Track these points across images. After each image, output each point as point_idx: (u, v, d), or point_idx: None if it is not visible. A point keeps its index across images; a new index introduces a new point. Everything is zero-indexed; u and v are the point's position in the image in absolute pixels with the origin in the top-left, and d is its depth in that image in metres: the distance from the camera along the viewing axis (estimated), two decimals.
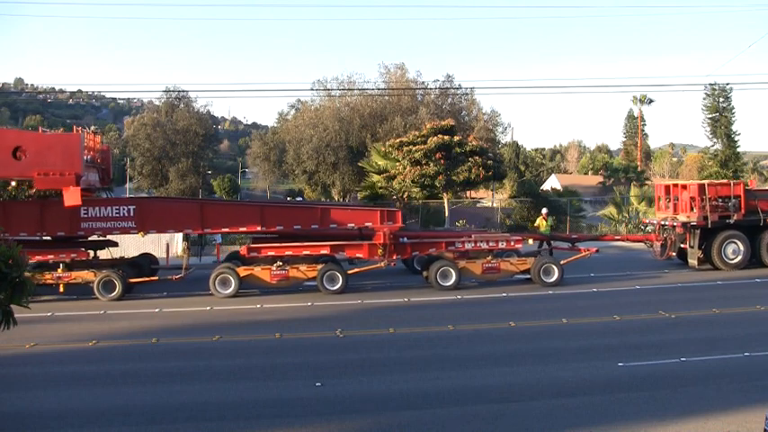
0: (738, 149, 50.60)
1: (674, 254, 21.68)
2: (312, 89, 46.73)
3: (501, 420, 7.95)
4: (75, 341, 12.89)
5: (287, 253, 18.30)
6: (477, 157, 31.91)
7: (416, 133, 33.04)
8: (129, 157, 57.52)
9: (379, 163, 34.82)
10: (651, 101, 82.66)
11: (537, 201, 38.36)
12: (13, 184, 19.99)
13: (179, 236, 27.50)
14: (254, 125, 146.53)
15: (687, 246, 21.20)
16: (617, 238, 24.91)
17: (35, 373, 10.68)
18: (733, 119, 49.24)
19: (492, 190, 47.67)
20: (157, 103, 51.32)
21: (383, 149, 34.53)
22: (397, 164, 32.31)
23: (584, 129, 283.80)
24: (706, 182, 22.33)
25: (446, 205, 34.42)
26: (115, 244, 20.44)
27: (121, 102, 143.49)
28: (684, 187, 22.14)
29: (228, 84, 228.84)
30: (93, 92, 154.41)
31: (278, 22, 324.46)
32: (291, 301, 17.06)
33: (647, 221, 25.77)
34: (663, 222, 21.98)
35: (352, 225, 19.02)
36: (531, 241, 23.68)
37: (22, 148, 16.54)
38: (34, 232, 18.24)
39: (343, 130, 41.76)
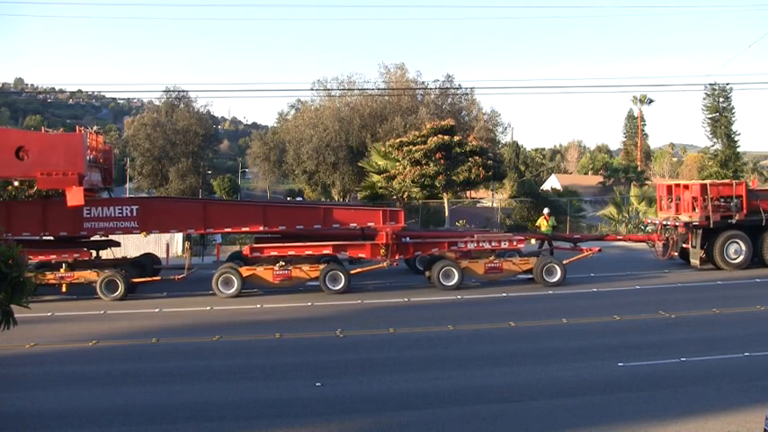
0: (738, 149, 50.65)
1: (675, 254, 21.69)
2: (312, 89, 46.82)
3: (501, 420, 7.95)
4: (75, 341, 12.89)
5: (289, 253, 18.30)
6: (477, 157, 31.92)
7: (416, 133, 33.04)
8: (129, 157, 57.53)
9: (379, 163, 34.82)
10: (651, 101, 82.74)
11: (537, 201, 38.36)
12: (16, 183, 19.99)
13: (179, 236, 27.54)
14: (254, 125, 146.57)
15: (689, 246, 21.21)
16: (619, 238, 24.87)
17: (35, 373, 10.68)
18: (733, 119, 49.31)
19: (492, 190, 47.69)
20: (157, 103, 51.42)
21: (383, 149, 34.54)
22: (397, 164, 32.31)
23: (584, 129, 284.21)
24: (708, 182, 22.33)
25: (446, 205, 34.42)
26: (117, 244, 20.44)
27: (121, 102, 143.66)
28: (686, 187, 22.13)
29: (228, 84, 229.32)
30: (93, 92, 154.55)
31: (278, 22, 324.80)
32: (291, 301, 17.06)
33: (649, 221, 25.77)
34: (665, 222, 21.98)
35: (355, 225, 19.02)
36: (533, 241, 23.68)
37: (24, 148, 16.54)
38: (37, 232, 18.25)
39: (343, 130, 41.76)
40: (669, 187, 23.38)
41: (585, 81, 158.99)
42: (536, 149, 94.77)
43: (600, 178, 71.31)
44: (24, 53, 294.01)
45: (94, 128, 26.07)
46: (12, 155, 16.38)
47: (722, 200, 20.88)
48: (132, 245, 24.35)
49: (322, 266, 18.15)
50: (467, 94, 46.16)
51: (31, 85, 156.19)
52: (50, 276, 17.75)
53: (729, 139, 49.08)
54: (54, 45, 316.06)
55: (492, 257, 18.71)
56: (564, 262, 18.98)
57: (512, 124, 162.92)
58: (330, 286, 17.89)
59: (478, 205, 48.15)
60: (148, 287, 19.21)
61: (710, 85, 49.16)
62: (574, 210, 39.54)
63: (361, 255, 18.96)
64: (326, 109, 44.63)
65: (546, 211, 25.37)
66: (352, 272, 18.61)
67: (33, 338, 12.85)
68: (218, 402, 8.80)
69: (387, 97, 44.20)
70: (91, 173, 18.15)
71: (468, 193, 49.42)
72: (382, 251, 18.43)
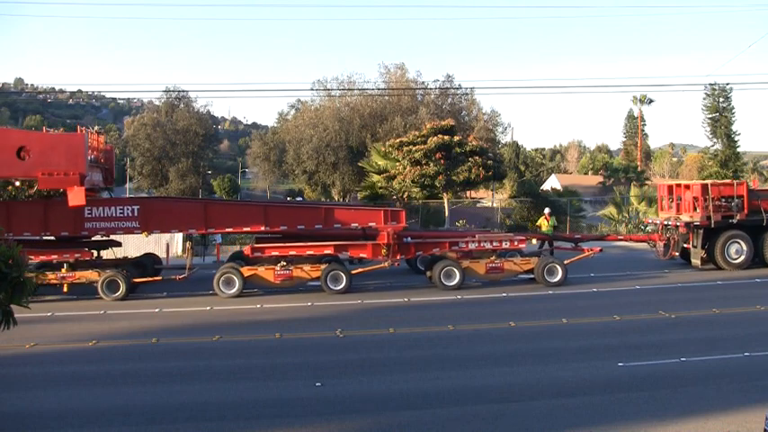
0: (738, 149, 50.71)
1: (676, 254, 21.70)
2: (312, 89, 46.84)
3: (501, 420, 7.95)
4: (75, 341, 12.89)
5: (291, 253, 18.29)
6: (477, 157, 31.92)
7: (416, 133, 33.05)
8: (129, 157, 57.52)
9: (379, 163, 34.82)
10: (651, 101, 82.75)
11: (537, 201, 38.36)
12: (17, 184, 20.00)
13: (179, 236, 27.56)
14: (254, 125, 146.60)
15: (690, 246, 21.22)
16: (620, 238, 24.85)
17: (35, 373, 10.68)
18: (733, 119, 49.36)
19: (492, 190, 47.69)
20: (157, 103, 51.43)
21: (383, 149, 34.54)
22: (397, 164, 32.31)
23: (584, 129, 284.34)
24: (709, 182, 22.34)
25: (446, 205, 34.43)
26: (119, 244, 20.45)
27: (121, 102, 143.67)
28: (687, 187, 22.15)
29: (228, 84, 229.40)
30: (93, 92, 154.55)
31: (278, 22, 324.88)
32: (291, 302, 17.06)
33: (650, 221, 25.78)
34: (666, 222, 21.99)
35: (356, 225, 19.03)
36: (534, 241, 23.69)
37: (26, 148, 16.55)
38: (38, 232, 18.26)
39: (343, 130, 41.77)
40: (670, 187, 23.38)
41: (585, 81, 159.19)
42: (536, 149, 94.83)
43: (600, 178, 71.31)
44: (24, 53, 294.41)
45: (95, 128, 26.08)
46: (13, 155, 16.40)
47: (723, 200, 20.88)
48: (132, 245, 24.36)
49: (323, 266, 18.14)
50: (467, 94, 46.22)
51: (31, 85, 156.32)
52: (52, 276, 17.76)
53: (729, 139, 49.11)
54: (54, 45, 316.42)
55: (493, 257, 18.72)
56: (565, 262, 18.98)
57: (512, 124, 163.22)
58: (332, 286, 17.88)
59: (478, 205, 48.17)
60: (148, 287, 19.21)
61: (710, 85, 49.24)
62: (574, 210, 39.55)
63: (362, 255, 18.96)
64: (326, 109, 44.63)
65: (547, 210, 25.36)
66: (354, 272, 18.61)
67: (33, 338, 12.85)
68: (218, 402, 8.80)
69: (387, 97, 44.21)
70: (92, 173, 18.16)
71: (468, 193, 49.43)
72: (384, 251, 18.42)
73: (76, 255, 18.10)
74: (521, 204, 39.68)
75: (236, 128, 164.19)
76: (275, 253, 18.26)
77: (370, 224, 18.89)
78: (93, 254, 19.08)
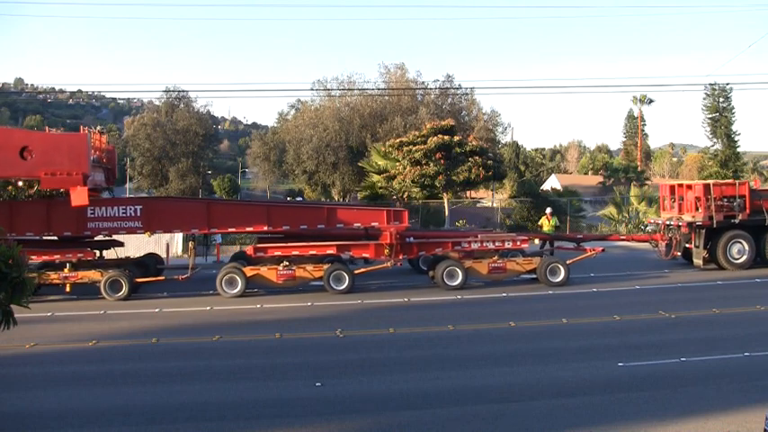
0: (738, 149, 50.76)
1: (678, 253, 21.71)
2: (312, 89, 46.87)
3: (501, 420, 7.95)
4: (75, 341, 12.89)
5: (293, 253, 18.28)
6: (477, 157, 31.93)
7: (416, 133, 33.05)
8: (129, 157, 57.54)
9: (379, 163, 34.83)
10: (651, 101, 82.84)
11: (537, 201, 38.34)
12: (20, 184, 20.00)
13: (179, 236, 27.56)
14: (254, 125, 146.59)
15: (692, 245, 21.23)
16: (622, 237, 24.83)
17: (35, 373, 10.68)
18: (733, 119, 49.42)
19: (492, 190, 47.70)
20: (157, 103, 51.45)
21: (383, 149, 34.55)
22: (397, 164, 32.32)
23: (584, 129, 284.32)
24: (711, 182, 22.35)
25: (446, 205, 34.43)
26: (121, 244, 20.47)
27: (121, 102, 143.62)
28: (689, 187, 22.16)
29: (228, 84, 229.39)
30: (93, 92, 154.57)
31: (278, 22, 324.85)
32: (291, 301, 17.06)
33: (651, 221, 25.80)
34: (668, 222, 22.00)
35: (359, 225, 19.00)
36: (536, 241, 23.70)
37: (29, 147, 16.54)
38: (41, 232, 18.27)
39: (343, 130, 41.78)
40: (672, 187, 23.40)
41: (585, 81, 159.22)
42: (536, 149, 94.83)
43: (600, 178, 71.32)
44: (24, 53, 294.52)
45: (98, 128, 26.09)
46: (16, 155, 16.40)
47: (725, 200, 20.89)
48: (132, 245, 24.35)
49: (326, 266, 18.14)
50: (467, 94, 46.23)
51: (31, 85, 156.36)
52: (54, 276, 17.77)
53: (729, 139, 49.15)
54: (54, 45, 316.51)
55: (495, 257, 18.72)
56: (568, 262, 18.98)
57: (512, 124, 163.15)
58: (334, 286, 17.88)
59: (478, 205, 48.16)
60: (148, 287, 19.21)
61: (710, 85, 49.30)
62: (574, 210, 39.54)
63: (365, 255, 18.97)
64: (326, 109, 44.64)
65: (548, 210, 25.34)
66: (357, 272, 18.60)
67: (33, 338, 12.84)
68: (218, 402, 8.80)
69: (387, 97, 44.22)
70: (95, 173, 18.17)
71: (468, 193, 49.43)
72: (386, 251, 18.42)
73: (79, 255, 18.10)
74: (521, 204, 39.68)
75: (236, 128, 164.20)
76: (278, 253, 18.25)
77: (373, 224, 18.88)
78: (95, 254, 19.09)
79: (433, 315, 14.88)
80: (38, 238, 18.60)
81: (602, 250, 20.88)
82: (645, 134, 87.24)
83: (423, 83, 45.74)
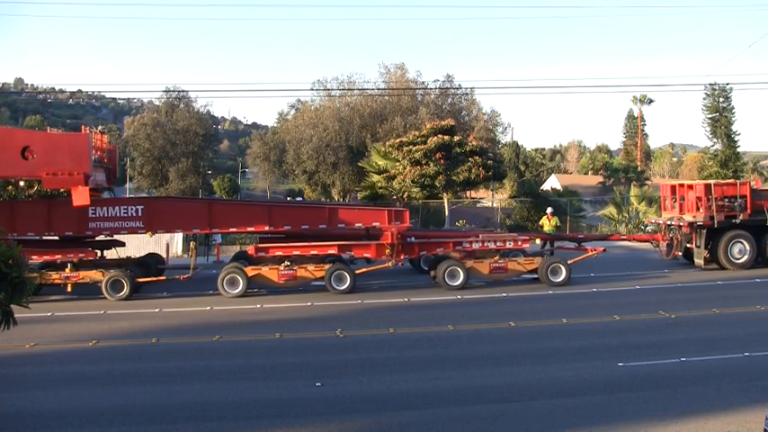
0: (738, 149, 50.72)
1: (679, 253, 21.72)
2: (312, 89, 46.85)
3: (501, 420, 7.95)
4: (75, 341, 12.89)
5: (294, 253, 18.27)
6: (477, 157, 31.91)
7: (416, 133, 33.04)
8: (129, 157, 57.54)
9: (379, 163, 34.82)
10: (651, 101, 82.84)
11: (537, 201, 38.34)
12: (22, 184, 20.01)
13: (179, 236, 27.55)
14: (254, 125, 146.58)
15: (693, 245, 21.23)
16: (623, 237, 24.83)
17: (35, 373, 10.68)
18: (733, 119, 49.37)
19: (492, 190, 47.69)
20: (157, 103, 51.43)
21: (383, 149, 34.54)
22: (397, 164, 32.31)
23: (584, 129, 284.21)
24: (712, 182, 22.37)
25: (446, 205, 34.42)
26: (122, 244, 20.47)
27: (121, 102, 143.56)
28: (690, 187, 22.17)
29: (228, 84, 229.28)
30: (93, 92, 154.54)
31: (278, 22, 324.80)
32: (291, 301, 17.06)
33: (652, 221, 25.79)
34: (669, 222, 22.01)
35: (360, 225, 19.00)
36: (537, 241, 23.72)
37: (30, 147, 16.53)
38: (42, 232, 18.27)
39: (343, 130, 41.77)
40: (673, 187, 23.41)
41: (585, 81, 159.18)
42: (536, 149, 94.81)
43: (600, 178, 71.30)
44: (24, 53, 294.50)
45: (99, 128, 26.12)
46: (17, 155, 16.40)
47: (726, 200, 20.90)
48: (132, 245, 24.34)
49: (327, 266, 18.15)
50: (467, 94, 46.22)
51: (31, 85, 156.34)
52: (55, 276, 17.77)
53: (729, 139, 49.12)
54: (54, 45, 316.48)
55: (497, 257, 18.72)
56: (569, 262, 18.98)
57: (512, 124, 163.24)
58: (336, 286, 17.88)
59: (478, 205, 48.15)
60: (148, 287, 19.21)
61: (710, 85, 49.25)
62: (574, 210, 39.53)
63: (366, 255, 18.98)
64: (326, 109, 44.64)
65: (549, 210, 25.32)
66: (358, 272, 18.60)
67: (33, 338, 12.85)
68: (218, 402, 8.80)
69: (387, 97, 44.22)
70: (96, 173, 18.17)
71: (468, 193, 49.42)
72: (387, 251, 18.42)
73: (80, 254, 18.11)
74: (521, 204, 39.67)
75: (236, 128, 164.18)
76: (279, 253, 18.25)
77: (374, 224, 18.88)
78: (96, 254, 19.09)
79: (433, 315, 14.88)
80: (39, 238, 18.61)
81: (604, 250, 20.88)
82: (645, 134, 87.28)
83: (423, 83, 45.79)
